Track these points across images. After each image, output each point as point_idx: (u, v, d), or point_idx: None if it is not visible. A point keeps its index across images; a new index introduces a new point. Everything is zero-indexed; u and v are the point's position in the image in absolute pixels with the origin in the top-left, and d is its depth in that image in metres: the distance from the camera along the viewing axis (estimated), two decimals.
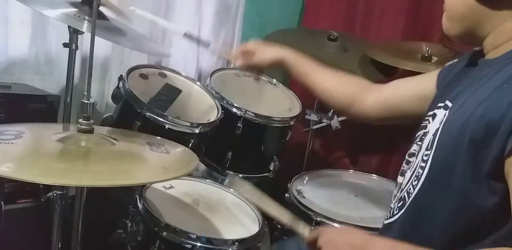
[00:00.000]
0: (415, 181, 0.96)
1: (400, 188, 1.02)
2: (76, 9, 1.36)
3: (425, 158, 0.94)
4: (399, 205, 0.99)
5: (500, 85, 0.82)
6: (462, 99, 0.91)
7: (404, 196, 0.98)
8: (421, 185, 0.93)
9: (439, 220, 0.89)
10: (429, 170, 0.92)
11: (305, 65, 1.29)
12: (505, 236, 0.83)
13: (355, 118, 1.29)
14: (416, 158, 0.99)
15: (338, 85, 1.28)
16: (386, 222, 1.04)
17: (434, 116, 0.98)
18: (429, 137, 0.95)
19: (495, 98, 0.82)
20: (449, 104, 0.95)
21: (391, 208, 1.03)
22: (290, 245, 1.28)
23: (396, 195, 1.03)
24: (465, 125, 0.84)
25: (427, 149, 0.94)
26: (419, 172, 0.95)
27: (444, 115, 0.93)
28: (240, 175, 1.82)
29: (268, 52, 1.31)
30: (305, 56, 1.31)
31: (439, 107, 0.97)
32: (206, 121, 1.61)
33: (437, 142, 0.91)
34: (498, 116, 0.79)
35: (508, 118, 0.77)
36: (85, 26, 1.31)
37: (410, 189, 0.97)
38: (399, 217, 0.98)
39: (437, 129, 0.93)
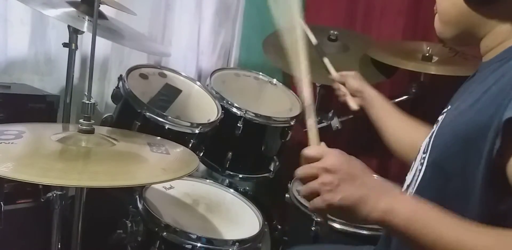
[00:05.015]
0: (414, 183, 0.95)
1: (403, 189, 1.02)
2: (75, 9, 1.36)
3: (422, 161, 0.93)
4: None
5: (489, 88, 0.81)
6: (458, 102, 0.91)
7: None
8: (417, 188, 0.93)
9: None
10: (424, 172, 0.91)
11: (380, 108, 1.35)
12: None
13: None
14: (415, 161, 0.99)
15: (401, 133, 1.27)
16: None
17: (437, 121, 0.97)
18: (426, 140, 0.95)
19: (484, 100, 0.80)
20: (448, 107, 0.94)
21: None
22: None
23: None
24: (457, 127, 0.83)
25: (424, 152, 0.94)
26: (416, 175, 0.95)
27: (441, 118, 0.93)
28: (240, 175, 1.82)
29: (355, 82, 1.47)
30: (383, 98, 1.37)
31: (443, 113, 0.97)
32: (206, 122, 1.61)
33: (432, 144, 0.91)
34: (487, 119, 0.77)
35: (496, 121, 0.75)
36: (85, 26, 1.31)
37: (410, 191, 0.96)
38: None
39: (433, 132, 0.92)
